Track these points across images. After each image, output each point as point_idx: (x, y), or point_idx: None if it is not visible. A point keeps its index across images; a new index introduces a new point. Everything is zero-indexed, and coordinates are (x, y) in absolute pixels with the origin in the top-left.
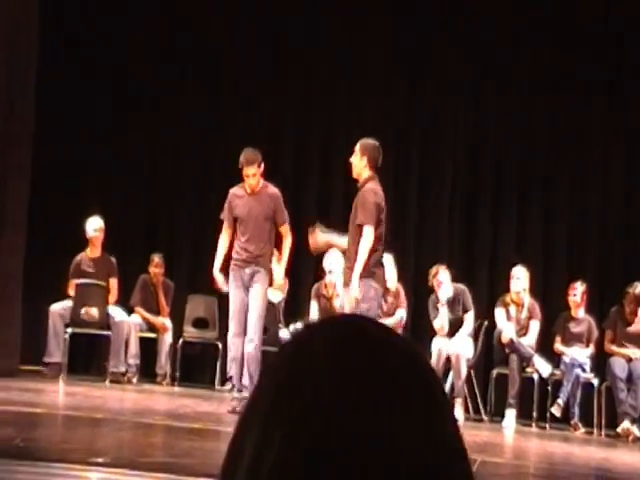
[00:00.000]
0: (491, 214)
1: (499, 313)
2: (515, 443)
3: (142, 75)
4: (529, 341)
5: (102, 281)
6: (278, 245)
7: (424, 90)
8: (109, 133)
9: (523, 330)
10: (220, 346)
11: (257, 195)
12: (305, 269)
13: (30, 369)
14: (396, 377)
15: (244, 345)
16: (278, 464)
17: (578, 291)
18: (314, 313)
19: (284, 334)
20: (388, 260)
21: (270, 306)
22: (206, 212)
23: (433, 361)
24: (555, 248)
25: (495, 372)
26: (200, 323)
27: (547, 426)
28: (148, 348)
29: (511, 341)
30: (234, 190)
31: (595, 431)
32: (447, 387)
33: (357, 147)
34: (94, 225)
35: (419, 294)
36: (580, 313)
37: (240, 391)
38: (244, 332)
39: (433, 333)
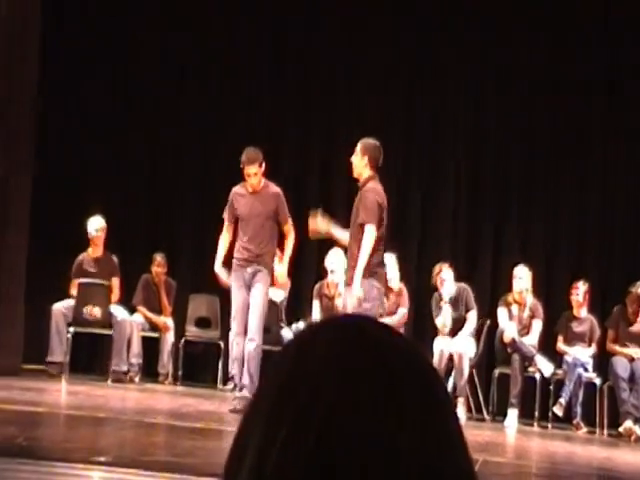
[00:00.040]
0: (493, 214)
1: (501, 312)
2: (517, 442)
3: (142, 75)
4: (531, 341)
5: (104, 280)
6: (281, 245)
7: (424, 90)
8: (109, 133)
9: (525, 330)
10: (222, 345)
11: (259, 194)
12: (307, 268)
13: (33, 368)
14: (398, 377)
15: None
16: (280, 464)
17: (580, 290)
18: (316, 312)
19: (286, 333)
20: (391, 260)
21: (272, 305)
22: (208, 212)
23: (435, 361)
24: (557, 248)
25: (497, 372)
26: (202, 322)
27: (549, 426)
28: (150, 347)
29: (513, 340)
30: (236, 189)
31: (597, 431)
32: (449, 386)
33: (358, 147)
34: (96, 225)
35: (421, 294)
36: (582, 313)
37: (241, 390)
38: (246, 331)
39: (435, 333)
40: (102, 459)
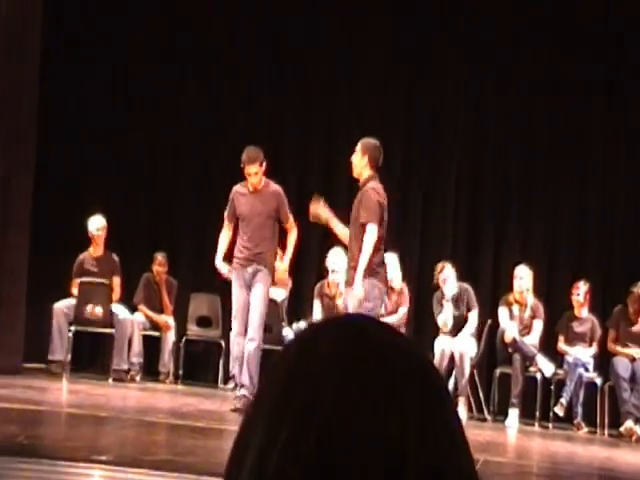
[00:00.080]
0: (493, 214)
1: (502, 312)
2: (518, 442)
3: (142, 75)
4: (532, 340)
5: (105, 279)
6: (282, 244)
7: (424, 90)
8: (109, 133)
9: (526, 329)
10: (223, 344)
11: (259, 193)
12: (308, 268)
13: (34, 367)
14: (399, 377)
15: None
16: (281, 465)
17: (581, 290)
18: (317, 312)
19: (287, 333)
20: (393, 259)
21: (273, 304)
22: (209, 211)
23: (436, 360)
24: (558, 247)
25: (498, 371)
26: (203, 321)
27: (550, 425)
28: (151, 346)
29: (514, 340)
30: (237, 188)
31: (598, 431)
32: (450, 386)
33: (358, 146)
34: (96, 224)
35: (422, 294)
36: (583, 312)
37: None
38: (246, 331)
39: (436, 332)
40: (103, 458)
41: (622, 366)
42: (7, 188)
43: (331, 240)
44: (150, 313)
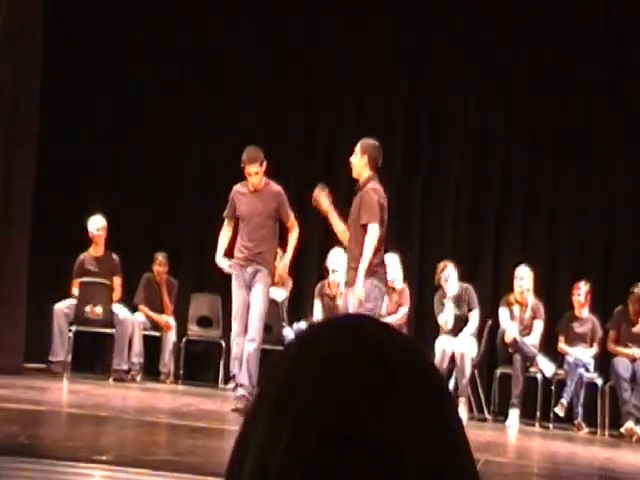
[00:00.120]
0: (494, 214)
1: (503, 313)
2: (518, 443)
3: (142, 75)
4: (533, 341)
5: (106, 280)
6: (283, 244)
7: (424, 90)
8: (109, 133)
9: (527, 330)
10: (224, 344)
11: (260, 193)
12: (309, 268)
13: (35, 367)
14: (399, 377)
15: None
16: (283, 465)
17: (582, 291)
18: (318, 312)
19: (287, 333)
20: (394, 260)
21: (273, 304)
22: (209, 211)
23: (437, 360)
24: (558, 248)
25: (499, 372)
26: (204, 321)
27: (550, 426)
28: (152, 346)
29: (515, 341)
30: (237, 187)
31: (599, 431)
32: (451, 386)
33: (357, 147)
34: (97, 224)
35: (423, 294)
36: (584, 313)
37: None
38: (246, 331)
39: (437, 332)
40: (103, 458)
41: (623, 366)
42: (8, 191)
43: (331, 240)
44: (151, 313)
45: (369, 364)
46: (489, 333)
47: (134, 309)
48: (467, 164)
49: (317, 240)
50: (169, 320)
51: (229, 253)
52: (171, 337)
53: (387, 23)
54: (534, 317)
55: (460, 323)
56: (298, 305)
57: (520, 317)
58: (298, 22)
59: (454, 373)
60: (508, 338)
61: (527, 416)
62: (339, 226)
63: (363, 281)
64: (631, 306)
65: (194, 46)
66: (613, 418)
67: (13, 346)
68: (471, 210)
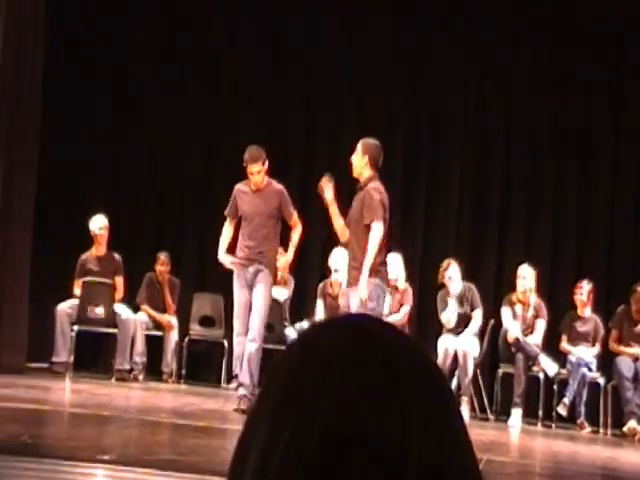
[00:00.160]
0: (497, 214)
1: (505, 312)
2: (521, 442)
3: (142, 75)
4: (535, 340)
5: (108, 279)
6: (285, 244)
7: (424, 90)
8: (109, 133)
9: (529, 329)
10: (226, 344)
11: (262, 192)
12: (311, 267)
13: (37, 367)
14: (402, 377)
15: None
16: (284, 466)
17: (584, 290)
18: (320, 312)
19: (290, 332)
20: (397, 259)
21: (276, 304)
22: (211, 211)
23: (439, 360)
24: (561, 247)
25: (501, 371)
26: (206, 321)
27: (553, 425)
28: (154, 346)
29: (517, 340)
30: (239, 186)
31: (601, 430)
32: (453, 386)
33: (358, 146)
34: (99, 223)
35: (426, 294)
36: (586, 312)
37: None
38: (248, 331)
39: (440, 332)
40: (106, 457)
41: (625, 366)
42: (10, 188)
43: (334, 240)
44: (153, 313)
45: (371, 364)
46: (491, 332)
47: (136, 309)
48: (467, 164)
49: (319, 239)
50: (171, 320)
51: (231, 252)
52: (173, 337)
53: (387, 23)
54: (536, 316)
55: (463, 322)
56: (300, 305)
57: (522, 316)
58: (298, 22)
59: (456, 372)
60: (510, 337)
61: (529, 415)
62: (338, 221)
63: (366, 280)
64: (633, 305)
65: (194, 46)
66: (616, 417)
67: (15, 344)
68: (473, 210)
